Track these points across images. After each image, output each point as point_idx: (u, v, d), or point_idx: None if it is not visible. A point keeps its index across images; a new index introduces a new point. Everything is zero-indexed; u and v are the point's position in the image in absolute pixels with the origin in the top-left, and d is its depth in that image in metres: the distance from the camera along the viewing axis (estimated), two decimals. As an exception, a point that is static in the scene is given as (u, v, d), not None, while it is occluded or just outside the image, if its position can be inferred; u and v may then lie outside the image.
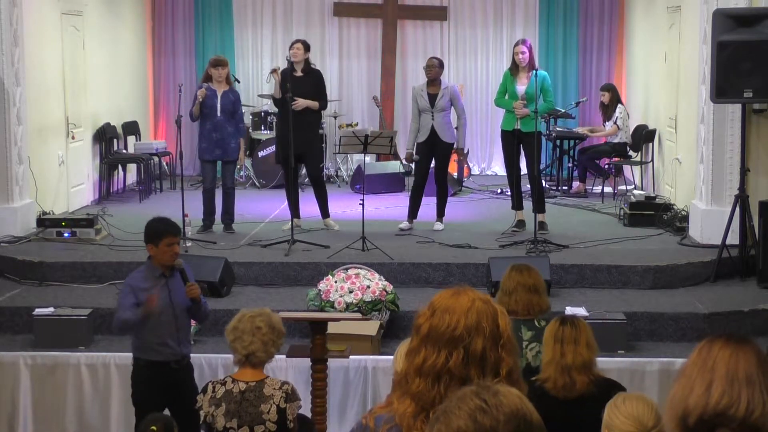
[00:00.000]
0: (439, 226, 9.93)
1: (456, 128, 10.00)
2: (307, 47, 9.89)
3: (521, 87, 9.61)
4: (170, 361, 5.66)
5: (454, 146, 9.98)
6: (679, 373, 2.32)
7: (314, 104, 9.77)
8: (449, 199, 11.72)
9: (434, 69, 9.83)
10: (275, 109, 12.97)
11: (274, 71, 9.79)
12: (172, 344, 5.66)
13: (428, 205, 10.07)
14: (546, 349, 4.58)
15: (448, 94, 9.80)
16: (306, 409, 5.75)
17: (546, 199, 10.18)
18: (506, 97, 9.75)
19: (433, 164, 9.94)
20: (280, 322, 4.87)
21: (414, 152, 10.00)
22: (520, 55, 9.63)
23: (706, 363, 2.28)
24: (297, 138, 9.32)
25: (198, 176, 12.11)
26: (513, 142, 9.68)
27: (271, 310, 4.97)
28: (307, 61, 9.85)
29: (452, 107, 9.86)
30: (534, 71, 9.47)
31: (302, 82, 9.71)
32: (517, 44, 9.81)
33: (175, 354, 5.68)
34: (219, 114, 9.66)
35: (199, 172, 11.87)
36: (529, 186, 10.36)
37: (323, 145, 12.87)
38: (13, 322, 7.70)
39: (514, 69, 9.74)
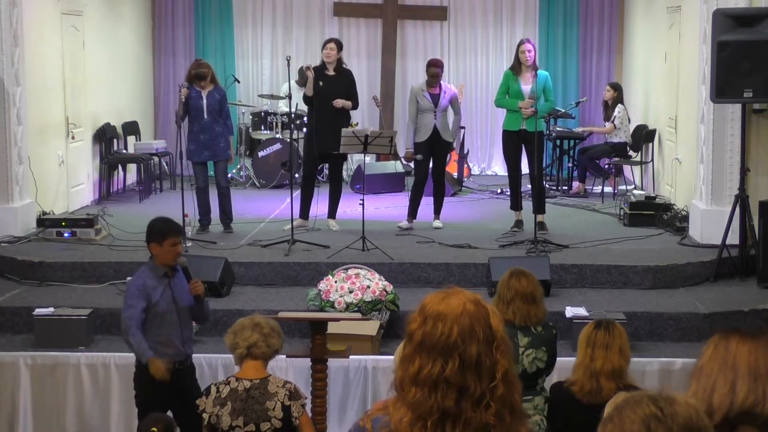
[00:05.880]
0: (438, 223, 9.99)
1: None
2: (340, 46, 9.93)
3: (526, 86, 9.58)
4: (174, 361, 5.66)
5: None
6: (697, 371, 2.30)
7: (350, 104, 9.84)
8: (449, 199, 11.76)
9: (439, 77, 9.90)
10: (275, 110, 13.10)
11: (307, 68, 9.77)
12: (177, 344, 5.67)
13: (424, 204, 10.07)
14: (578, 351, 4.55)
15: (448, 94, 9.88)
16: (306, 409, 5.76)
17: (546, 199, 10.16)
18: (507, 96, 9.74)
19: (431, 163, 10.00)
20: (279, 326, 4.91)
21: (413, 151, 10.02)
22: (527, 54, 9.59)
23: (726, 360, 2.26)
24: (329, 138, 9.42)
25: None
26: (517, 142, 9.67)
27: (271, 310, 4.99)
28: (339, 61, 9.87)
29: (450, 107, 9.96)
30: (536, 71, 9.48)
31: (335, 81, 9.74)
32: (521, 43, 9.78)
33: (179, 354, 5.69)
34: (206, 115, 9.61)
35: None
36: (529, 186, 10.37)
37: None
38: (13, 322, 7.70)
39: (518, 68, 9.71)
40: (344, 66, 10.02)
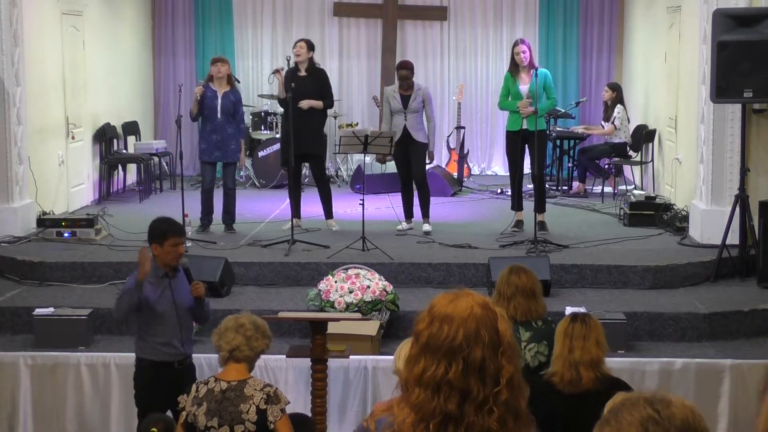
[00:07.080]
0: (427, 227, 9.82)
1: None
2: (310, 46, 9.89)
3: (524, 87, 9.59)
4: (174, 361, 5.67)
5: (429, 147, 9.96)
6: None
7: (319, 104, 9.77)
8: (450, 199, 11.76)
9: (409, 79, 9.78)
10: (275, 109, 13.11)
11: (276, 72, 9.79)
12: (176, 344, 5.66)
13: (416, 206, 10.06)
14: (556, 344, 4.64)
15: (420, 95, 9.82)
16: (306, 409, 5.76)
17: (546, 199, 10.15)
18: (509, 98, 9.73)
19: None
20: (266, 324, 4.87)
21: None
22: (522, 55, 9.61)
23: None
24: (302, 138, 9.38)
25: (198, 176, 12.12)
26: (519, 142, 9.66)
27: (271, 310, 4.97)
28: (311, 60, 9.84)
29: (423, 109, 9.84)
30: (535, 70, 9.47)
31: (306, 81, 9.71)
32: (516, 44, 9.78)
33: (178, 354, 5.69)
34: (219, 115, 9.64)
35: (199, 172, 11.88)
36: (530, 186, 10.36)
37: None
38: (13, 322, 7.70)
39: (514, 69, 9.72)
40: (317, 66, 10.00)
